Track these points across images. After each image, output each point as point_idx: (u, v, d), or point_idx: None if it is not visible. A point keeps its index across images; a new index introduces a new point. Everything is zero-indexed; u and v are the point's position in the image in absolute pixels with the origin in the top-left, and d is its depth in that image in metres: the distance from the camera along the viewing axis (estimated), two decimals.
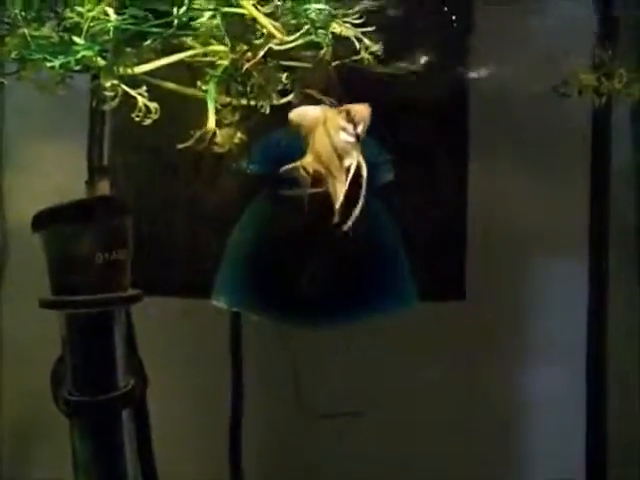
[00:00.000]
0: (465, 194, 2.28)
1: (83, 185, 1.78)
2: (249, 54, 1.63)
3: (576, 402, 2.32)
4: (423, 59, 1.90)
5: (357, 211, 1.48)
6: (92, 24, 1.50)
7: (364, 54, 1.68)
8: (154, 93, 1.65)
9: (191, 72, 1.65)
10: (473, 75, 1.98)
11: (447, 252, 2.26)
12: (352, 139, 1.51)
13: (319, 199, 1.78)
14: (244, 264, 1.79)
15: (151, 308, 1.84)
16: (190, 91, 1.71)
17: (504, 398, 2.38)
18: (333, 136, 1.52)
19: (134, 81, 1.61)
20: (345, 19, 1.59)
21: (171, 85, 1.72)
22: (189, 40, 1.63)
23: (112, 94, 1.50)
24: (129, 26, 1.52)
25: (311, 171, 1.56)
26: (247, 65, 1.61)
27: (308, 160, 1.56)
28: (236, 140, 1.75)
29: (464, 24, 1.96)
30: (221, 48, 1.64)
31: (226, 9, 1.52)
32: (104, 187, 1.77)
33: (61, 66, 1.46)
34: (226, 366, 2.27)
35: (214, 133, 1.72)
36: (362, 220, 1.80)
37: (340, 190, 1.52)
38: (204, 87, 1.62)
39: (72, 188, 1.79)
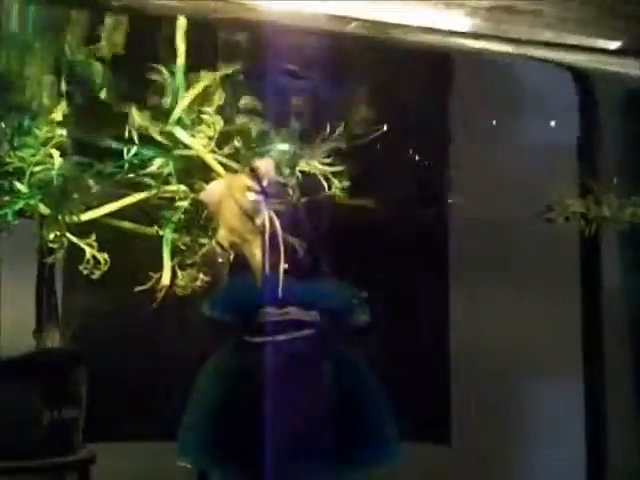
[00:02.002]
0: (447, 329, 2.16)
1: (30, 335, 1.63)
2: None
3: None
4: (400, 189, 1.80)
5: (282, 265, 1.42)
6: (36, 169, 1.39)
7: (334, 190, 1.59)
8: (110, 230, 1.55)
9: (147, 214, 1.53)
10: (453, 202, 1.88)
11: (431, 395, 2.12)
12: (259, 196, 1.46)
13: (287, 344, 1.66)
14: (210, 419, 1.61)
15: None
16: (149, 231, 1.59)
17: None
18: (240, 200, 1.47)
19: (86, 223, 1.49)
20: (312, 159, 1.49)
21: (129, 225, 1.60)
22: (145, 179, 1.51)
23: (57, 246, 1.38)
24: (77, 168, 1.41)
25: (227, 245, 1.50)
26: None
27: (221, 234, 1.50)
28: (198, 282, 1.62)
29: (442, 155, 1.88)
30: (181, 187, 1.53)
31: (178, 152, 1.41)
32: (54, 337, 1.62)
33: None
34: None
35: (175, 274, 1.61)
36: (336, 371, 1.67)
37: (257, 253, 1.47)
38: (161, 232, 1.50)
39: (18, 337, 1.64)
